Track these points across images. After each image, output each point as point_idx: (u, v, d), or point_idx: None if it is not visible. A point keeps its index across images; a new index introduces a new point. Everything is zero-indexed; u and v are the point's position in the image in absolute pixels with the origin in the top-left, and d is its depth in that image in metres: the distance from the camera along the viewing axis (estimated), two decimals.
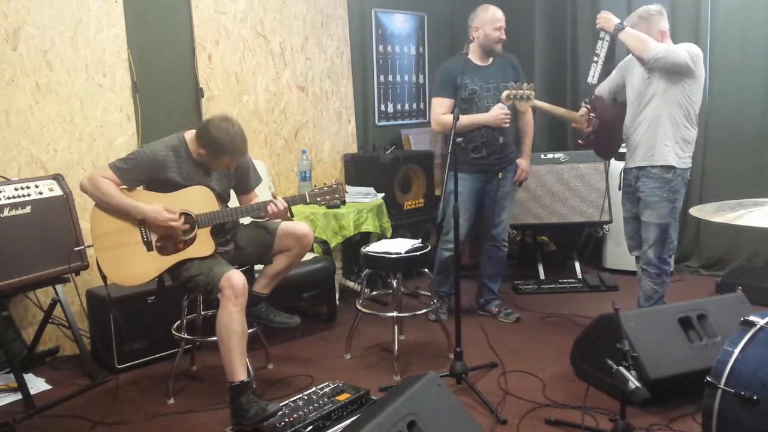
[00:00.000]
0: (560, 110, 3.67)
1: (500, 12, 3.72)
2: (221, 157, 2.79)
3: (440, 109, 3.72)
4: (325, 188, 2.94)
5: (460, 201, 3.60)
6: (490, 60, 3.78)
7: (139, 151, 2.86)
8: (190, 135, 2.85)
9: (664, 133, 3.24)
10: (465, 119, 3.61)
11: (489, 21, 3.69)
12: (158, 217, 2.75)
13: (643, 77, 3.28)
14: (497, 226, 3.88)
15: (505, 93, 3.42)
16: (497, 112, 3.64)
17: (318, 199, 2.93)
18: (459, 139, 3.06)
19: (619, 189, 3.55)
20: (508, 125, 3.68)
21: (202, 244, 2.82)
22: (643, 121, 3.29)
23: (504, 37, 3.73)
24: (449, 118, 3.67)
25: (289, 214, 2.90)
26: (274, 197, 2.91)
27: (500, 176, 3.80)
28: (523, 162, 3.93)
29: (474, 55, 3.75)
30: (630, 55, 3.38)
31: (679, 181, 3.27)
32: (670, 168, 3.23)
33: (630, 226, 3.52)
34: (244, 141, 2.82)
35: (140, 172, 2.81)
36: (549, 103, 3.62)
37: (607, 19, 3.28)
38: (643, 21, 3.27)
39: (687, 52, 3.15)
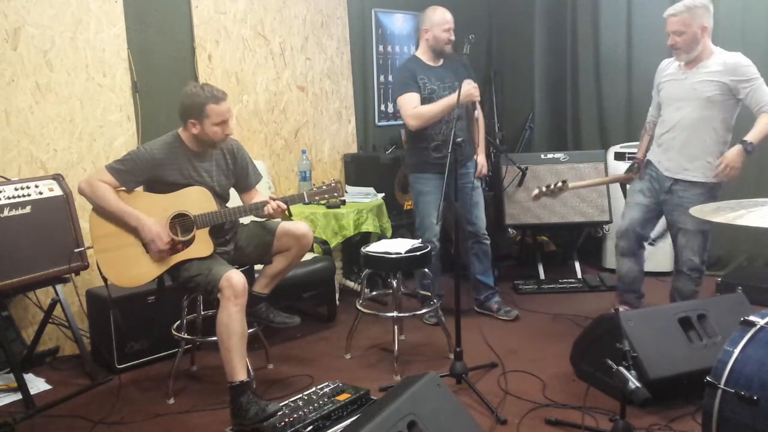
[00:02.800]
0: (606, 178, 3.62)
1: (449, 14, 3.72)
2: (210, 113, 2.78)
3: (412, 103, 3.68)
4: (324, 187, 2.94)
5: (430, 201, 3.69)
6: (441, 61, 3.78)
7: (137, 152, 2.86)
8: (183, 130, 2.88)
9: (707, 148, 3.18)
10: (435, 106, 3.62)
11: (438, 23, 3.69)
12: (152, 231, 2.75)
13: (683, 76, 3.20)
14: (474, 223, 3.88)
15: (534, 193, 3.46)
16: (467, 87, 3.57)
17: (317, 198, 2.93)
18: (463, 138, 3.03)
19: (640, 179, 3.46)
20: (479, 98, 3.63)
21: (201, 245, 2.82)
22: (684, 125, 3.21)
23: (453, 38, 3.73)
24: (423, 108, 3.64)
25: (287, 213, 2.90)
26: (272, 198, 2.89)
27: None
28: (480, 157, 3.95)
29: (425, 57, 3.77)
30: (661, 65, 3.37)
31: (717, 186, 3.24)
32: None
33: (635, 213, 3.43)
34: (215, 87, 2.83)
35: (138, 173, 2.81)
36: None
37: (728, 167, 3.11)
38: (687, 11, 3.13)
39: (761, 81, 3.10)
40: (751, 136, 3.08)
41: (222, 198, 2.98)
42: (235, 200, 3.09)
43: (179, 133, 2.89)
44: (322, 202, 2.94)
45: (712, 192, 3.22)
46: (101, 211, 2.79)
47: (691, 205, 2.98)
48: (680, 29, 3.15)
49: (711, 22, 3.18)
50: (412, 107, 3.67)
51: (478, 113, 3.93)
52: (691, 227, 3.25)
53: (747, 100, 3.13)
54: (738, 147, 3.10)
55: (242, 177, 3.08)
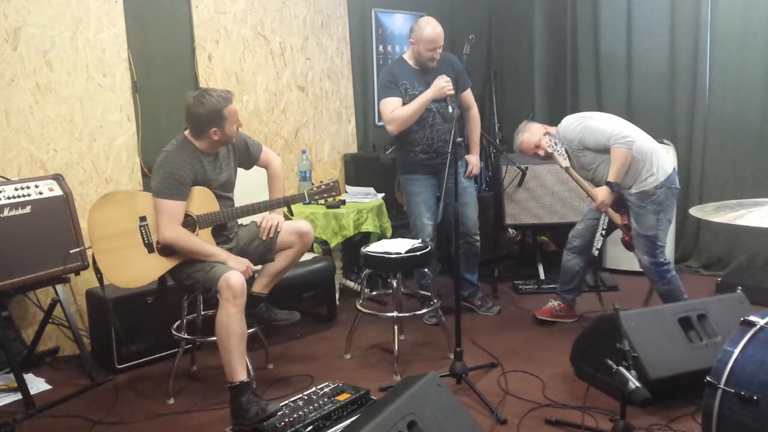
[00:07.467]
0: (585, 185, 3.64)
1: (437, 31, 3.63)
2: (228, 115, 2.80)
3: (390, 107, 3.64)
4: (323, 186, 3.04)
5: (421, 201, 3.72)
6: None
7: (165, 168, 2.80)
8: (189, 133, 2.87)
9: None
10: (409, 107, 3.59)
11: (424, 41, 3.63)
12: (243, 262, 2.83)
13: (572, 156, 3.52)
14: (464, 223, 3.84)
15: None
16: (439, 83, 3.55)
17: (316, 197, 3.02)
18: (458, 142, 3.04)
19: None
20: (452, 92, 3.55)
21: None
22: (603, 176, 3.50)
23: (437, 57, 3.67)
24: (398, 111, 3.62)
25: (288, 212, 2.97)
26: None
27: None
28: (472, 157, 3.94)
29: (412, 61, 3.75)
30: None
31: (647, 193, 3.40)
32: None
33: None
34: (219, 89, 2.85)
35: (184, 183, 2.81)
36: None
37: (603, 203, 3.44)
38: (521, 145, 3.62)
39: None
40: (611, 177, 3.39)
41: (229, 189, 3.02)
42: (240, 195, 3.10)
43: (188, 138, 2.86)
44: (321, 202, 2.98)
45: (642, 196, 3.40)
46: (189, 254, 2.81)
47: (632, 207, 3.43)
48: (536, 153, 3.58)
49: (535, 129, 3.59)
50: (389, 111, 3.65)
51: (475, 111, 3.94)
52: (637, 229, 3.43)
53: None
54: (605, 188, 3.42)
55: (245, 154, 3.08)
